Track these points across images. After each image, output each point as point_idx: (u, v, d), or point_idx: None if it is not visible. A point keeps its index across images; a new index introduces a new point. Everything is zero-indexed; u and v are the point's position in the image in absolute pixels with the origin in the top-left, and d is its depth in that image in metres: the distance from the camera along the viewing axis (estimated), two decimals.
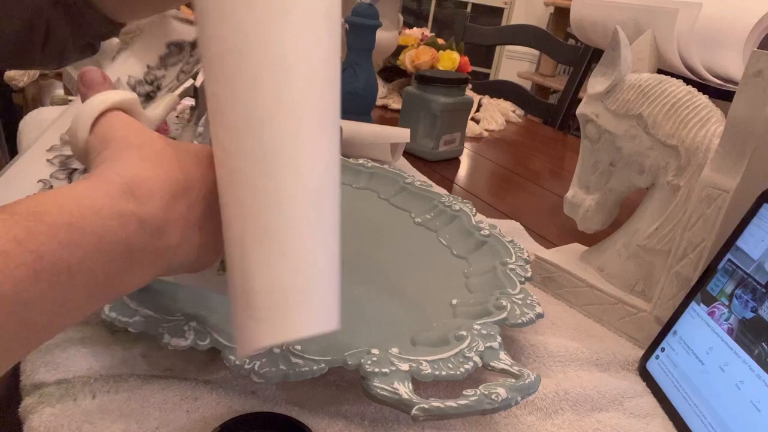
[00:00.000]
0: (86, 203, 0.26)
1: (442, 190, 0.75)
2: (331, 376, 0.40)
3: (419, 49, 1.32)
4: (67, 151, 0.52)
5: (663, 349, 0.49)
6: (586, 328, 0.55)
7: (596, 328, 0.55)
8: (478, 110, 1.34)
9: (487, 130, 1.25)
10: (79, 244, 0.25)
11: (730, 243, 0.46)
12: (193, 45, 0.62)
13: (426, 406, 0.33)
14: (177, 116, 0.81)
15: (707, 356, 0.44)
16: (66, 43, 0.54)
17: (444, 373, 0.36)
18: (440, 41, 1.41)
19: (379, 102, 1.30)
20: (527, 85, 2.69)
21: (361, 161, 0.73)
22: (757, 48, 0.72)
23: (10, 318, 0.23)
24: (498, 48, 3.32)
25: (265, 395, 0.38)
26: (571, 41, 1.75)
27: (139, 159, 0.30)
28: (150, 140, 0.31)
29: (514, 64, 3.25)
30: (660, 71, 0.60)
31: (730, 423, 0.40)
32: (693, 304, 0.48)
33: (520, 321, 0.44)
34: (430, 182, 0.77)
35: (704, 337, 0.45)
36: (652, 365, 0.49)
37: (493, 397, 0.35)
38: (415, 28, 1.46)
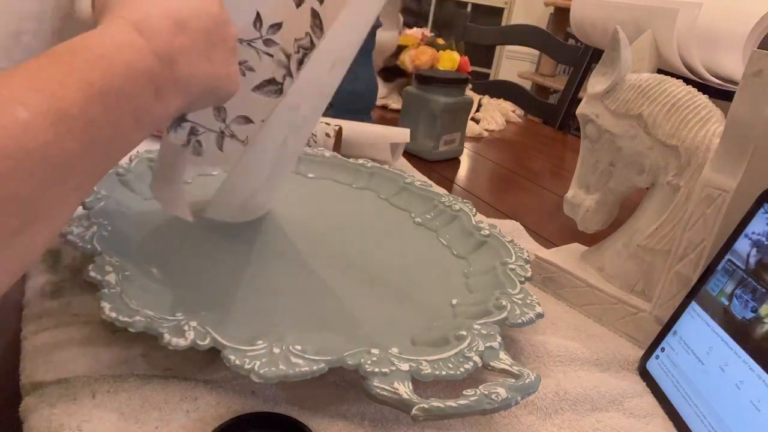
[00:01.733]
0: (107, 41, 0.30)
1: (442, 190, 0.75)
2: (331, 376, 0.40)
3: (419, 49, 1.32)
4: None
5: (663, 349, 0.49)
6: (586, 328, 0.55)
7: (596, 328, 0.55)
8: (478, 110, 1.34)
9: (487, 130, 1.25)
10: (115, 72, 0.29)
11: (730, 243, 0.46)
12: None
13: (426, 406, 0.33)
14: None
15: (707, 356, 0.44)
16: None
17: (444, 373, 0.36)
18: (440, 41, 1.41)
19: (379, 102, 1.30)
20: (527, 85, 2.69)
21: (361, 161, 0.73)
22: (757, 48, 0.72)
23: (84, 135, 0.28)
24: (498, 48, 3.32)
25: (265, 395, 0.38)
26: (571, 41, 1.75)
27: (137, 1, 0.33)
28: None
29: (514, 64, 3.25)
30: (660, 71, 0.60)
31: (730, 423, 0.40)
32: (693, 304, 0.48)
33: (520, 321, 0.44)
34: (430, 182, 0.77)
35: (704, 337, 0.45)
36: (652, 365, 0.49)
37: (493, 397, 0.35)
38: (415, 28, 1.46)
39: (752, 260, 0.43)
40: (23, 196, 0.25)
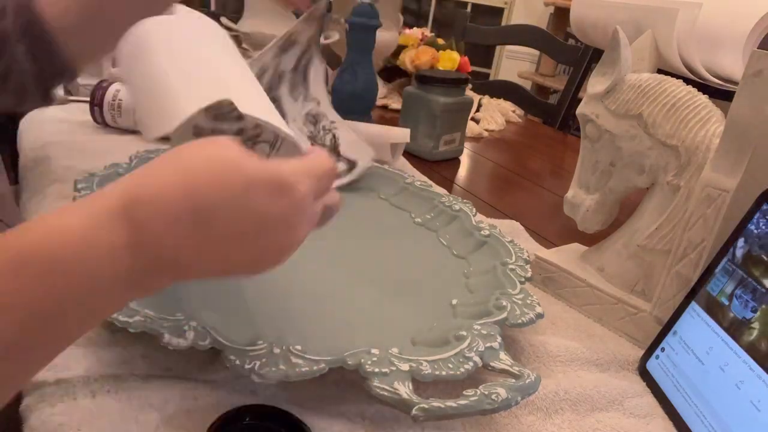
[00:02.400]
0: (76, 239, 0.25)
1: (442, 190, 0.75)
2: (331, 376, 0.40)
3: (419, 49, 1.32)
4: None
5: (663, 349, 0.49)
6: (586, 328, 0.55)
7: (596, 328, 0.55)
8: (478, 110, 1.34)
9: (487, 130, 1.25)
10: (70, 287, 0.25)
11: (730, 243, 0.46)
12: None
13: (426, 406, 0.33)
14: None
15: (707, 356, 0.44)
16: (27, 83, 0.49)
17: (444, 373, 0.36)
18: (440, 41, 1.41)
19: (379, 102, 1.30)
20: (527, 85, 2.69)
21: None
22: (757, 48, 0.72)
23: (10, 363, 0.24)
24: (498, 48, 3.32)
25: (265, 395, 0.38)
26: (571, 41, 1.75)
27: (143, 175, 0.28)
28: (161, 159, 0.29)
29: (514, 64, 3.25)
30: (660, 71, 0.60)
31: (730, 423, 0.40)
32: (693, 304, 0.48)
33: (520, 321, 0.44)
34: (430, 182, 0.77)
35: (704, 337, 0.45)
36: (652, 365, 0.49)
37: (493, 397, 0.35)
38: (415, 28, 1.46)
39: (738, 252, 0.44)
40: None
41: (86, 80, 0.90)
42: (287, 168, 0.30)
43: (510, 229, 0.73)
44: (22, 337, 0.24)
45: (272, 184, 0.29)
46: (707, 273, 0.47)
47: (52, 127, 0.79)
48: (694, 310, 0.47)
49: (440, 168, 0.96)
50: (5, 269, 0.24)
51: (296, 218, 0.31)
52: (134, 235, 0.26)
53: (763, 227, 0.44)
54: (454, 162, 1.01)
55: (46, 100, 0.52)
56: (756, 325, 0.41)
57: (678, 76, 0.56)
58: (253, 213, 0.29)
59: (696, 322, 0.47)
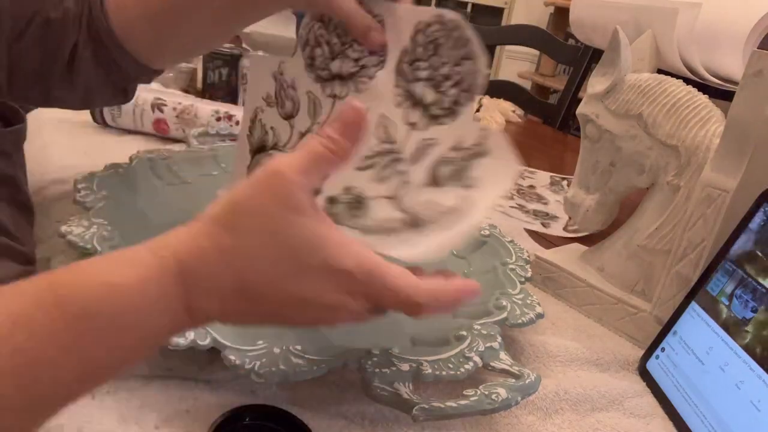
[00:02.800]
0: (131, 302, 0.26)
1: None
2: (331, 376, 0.40)
3: None
4: None
5: (663, 349, 0.49)
6: (586, 328, 0.55)
7: (596, 328, 0.55)
8: (478, 110, 1.34)
9: None
10: (124, 345, 0.26)
11: (730, 243, 0.46)
12: None
13: (426, 407, 0.33)
14: (176, 116, 0.81)
15: (707, 356, 0.44)
16: (93, 80, 0.52)
17: (444, 373, 0.36)
18: None
19: None
20: (527, 85, 2.68)
21: None
22: (757, 48, 0.72)
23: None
24: (498, 48, 3.32)
25: (265, 395, 0.38)
26: (571, 41, 1.75)
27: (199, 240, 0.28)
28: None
29: (514, 64, 3.25)
30: (660, 71, 0.60)
31: (730, 423, 0.40)
32: (693, 304, 0.48)
33: (520, 321, 0.44)
34: None
35: (704, 337, 0.45)
36: (652, 365, 0.49)
37: (493, 397, 0.35)
38: None
39: (738, 252, 0.44)
40: None
41: None
42: (337, 253, 0.29)
43: (510, 229, 0.73)
44: (77, 384, 0.25)
45: (324, 268, 0.29)
46: (707, 273, 0.47)
47: (52, 127, 0.79)
48: (694, 310, 0.47)
49: None
50: (67, 333, 0.24)
51: (337, 302, 0.30)
52: (186, 305, 0.27)
53: (764, 227, 0.44)
54: None
55: (119, 98, 0.55)
56: (756, 324, 0.41)
57: (678, 76, 0.56)
58: (296, 295, 0.29)
59: (696, 322, 0.47)
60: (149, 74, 0.55)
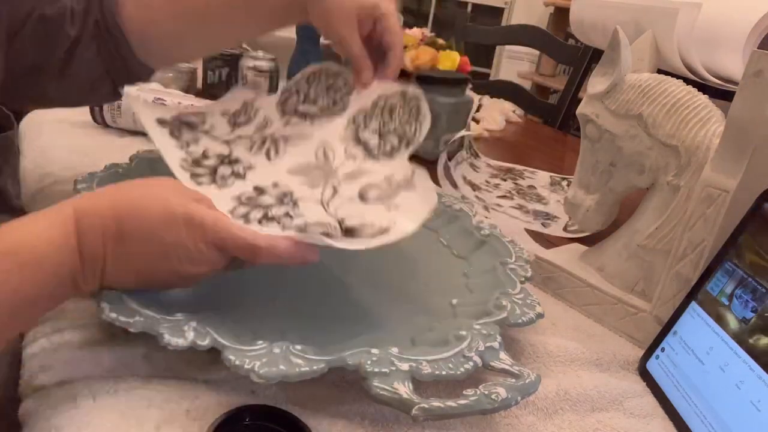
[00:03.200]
0: (35, 238, 0.35)
1: (442, 190, 0.75)
2: (331, 376, 0.40)
3: (419, 49, 1.32)
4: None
5: (663, 349, 0.49)
6: (586, 328, 0.55)
7: (596, 328, 0.55)
8: (478, 110, 1.34)
9: (487, 130, 1.25)
10: (28, 280, 0.34)
11: (730, 243, 0.46)
12: None
13: (426, 406, 0.33)
14: None
15: (707, 356, 0.44)
16: (91, 76, 0.53)
17: (444, 372, 0.36)
18: (440, 41, 1.41)
19: None
20: (527, 85, 2.69)
21: None
22: (757, 48, 0.72)
23: None
24: (498, 48, 3.32)
25: (265, 395, 0.38)
26: (571, 41, 1.75)
27: (97, 195, 0.39)
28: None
29: (514, 64, 3.25)
30: (660, 71, 0.60)
31: (730, 423, 0.40)
32: (693, 304, 0.48)
33: (520, 321, 0.44)
34: None
35: (704, 337, 0.45)
36: (652, 365, 0.49)
37: (493, 396, 0.35)
38: (415, 28, 1.45)
39: (738, 252, 0.44)
40: None
41: None
42: (198, 213, 0.38)
43: (510, 229, 0.73)
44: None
45: (184, 220, 0.37)
46: (707, 273, 0.47)
47: (52, 127, 0.79)
48: (694, 310, 0.47)
49: None
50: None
51: (197, 252, 0.38)
52: (78, 241, 0.35)
53: (764, 227, 0.44)
54: None
55: (115, 95, 0.56)
56: (756, 325, 0.41)
57: (678, 76, 0.56)
58: (161, 241, 0.37)
59: (696, 322, 0.47)
60: (149, 74, 0.56)
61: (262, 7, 0.54)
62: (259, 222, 0.43)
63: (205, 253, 0.38)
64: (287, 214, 0.45)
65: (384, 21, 0.52)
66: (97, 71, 0.53)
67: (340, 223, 0.43)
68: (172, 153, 0.50)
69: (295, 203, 0.46)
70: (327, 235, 0.41)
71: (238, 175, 0.49)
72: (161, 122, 0.51)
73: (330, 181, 0.47)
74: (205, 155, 0.50)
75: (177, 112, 0.53)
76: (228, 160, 0.51)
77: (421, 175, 0.47)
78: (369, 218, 0.43)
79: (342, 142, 0.51)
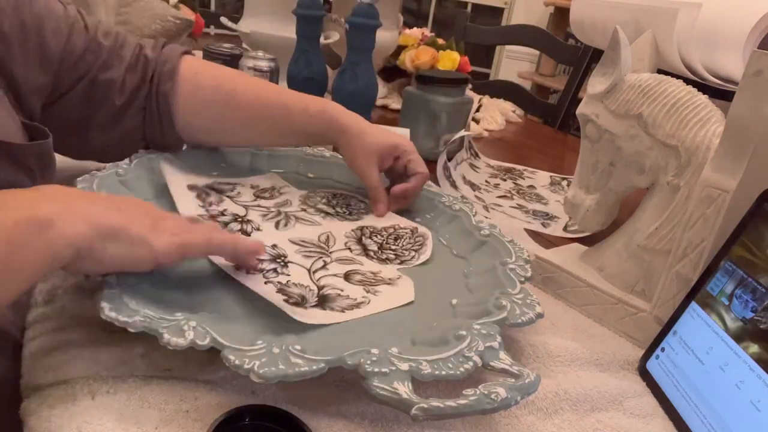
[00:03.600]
0: None
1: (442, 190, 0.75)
2: (331, 376, 0.40)
3: (419, 49, 1.32)
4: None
5: (663, 349, 0.49)
6: (586, 328, 0.55)
7: (596, 328, 0.55)
8: (478, 110, 1.34)
9: (487, 130, 1.25)
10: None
11: (730, 243, 0.46)
12: None
13: (425, 406, 0.33)
14: None
15: (707, 356, 0.44)
16: (132, 138, 0.59)
17: (444, 372, 0.36)
18: (440, 41, 1.41)
19: (379, 102, 1.30)
20: (527, 85, 2.69)
21: None
22: (757, 48, 0.72)
23: None
24: (498, 48, 3.32)
25: (265, 395, 0.38)
26: (571, 41, 1.75)
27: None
28: None
29: (514, 64, 3.25)
30: (660, 71, 0.60)
31: (730, 423, 0.40)
32: (693, 304, 0.48)
33: (520, 321, 0.44)
34: (429, 182, 0.77)
35: (704, 337, 0.45)
36: (652, 365, 0.49)
37: (492, 396, 0.35)
38: (415, 28, 1.46)
39: (738, 253, 0.43)
40: None
41: None
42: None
43: (510, 229, 0.73)
44: None
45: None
46: (707, 273, 0.47)
47: None
48: (694, 310, 0.47)
49: None
50: None
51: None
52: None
53: (764, 227, 0.44)
54: None
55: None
56: (756, 324, 0.41)
57: (678, 76, 0.56)
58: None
59: (696, 322, 0.47)
60: (180, 147, 0.64)
61: (299, 133, 0.64)
62: (247, 271, 0.47)
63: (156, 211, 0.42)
64: (275, 270, 0.49)
65: (406, 156, 0.64)
66: (136, 136, 0.60)
67: (320, 289, 0.47)
68: (189, 203, 0.56)
69: (285, 264, 0.50)
70: (301, 298, 0.45)
71: (244, 232, 0.54)
72: (191, 188, 0.59)
73: (323, 258, 0.53)
74: (222, 213, 0.57)
75: (211, 181, 0.62)
76: (241, 219, 0.56)
77: (406, 279, 0.51)
78: (346, 292, 0.48)
79: (345, 237, 0.57)
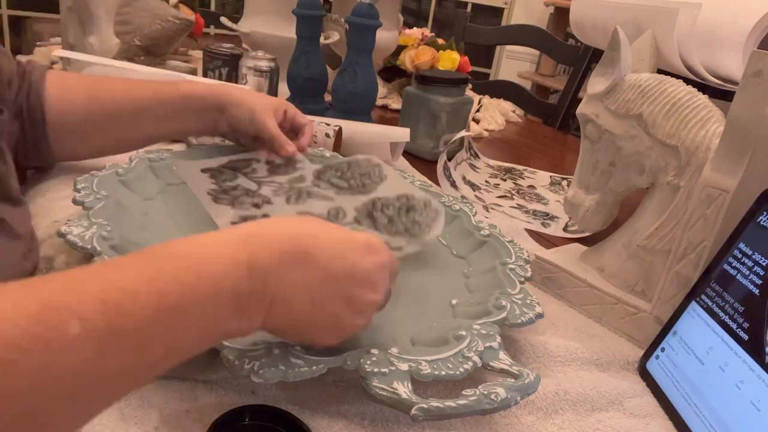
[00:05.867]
0: (209, 249, 0.30)
1: (442, 190, 0.75)
2: (331, 376, 0.40)
3: (419, 49, 1.32)
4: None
5: (663, 349, 0.49)
6: (586, 328, 0.55)
7: (596, 328, 0.55)
8: (478, 110, 1.34)
9: (487, 130, 1.25)
10: (197, 287, 0.28)
11: (730, 243, 0.46)
12: None
13: (425, 406, 0.33)
14: None
15: (707, 356, 0.44)
16: (5, 154, 0.53)
17: (443, 373, 0.36)
18: (440, 41, 1.41)
19: (379, 102, 1.30)
20: (527, 85, 2.68)
21: None
22: (757, 48, 0.72)
23: (131, 354, 0.26)
24: (498, 48, 3.32)
25: (264, 395, 0.38)
26: (571, 41, 1.75)
27: (270, 221, 0.36)
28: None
29: (514, 64, 3.25)
30: (659, 71, 0.60)
31: (730, 423, 0.40)
32: (693, 304, 0.48)
33: (519, 321, 0.44)
34: (429, 182, 0.77)
35: (704, 337, 0.45)
36: (652, 365, 0.49)
37: (492, 397, 0.35)
38: (415, 28, 1.46)
39: (738, 253, 0.43)
40: (38, 410, 0.23)
41: None
42: (375, 238, 0.38)
43: (510, 229, 0.73)
44: (152, 325, 0.26)
45: (366, 244, 0.36)
46: (707, 273, 0.47)
47: None
48: (694, 310, 0.47)
49: None
50: (150, 267, 0.28)
51: (378, 277, 0.36)
52: (251, 258, 0.31)
53: (764, 227, 0.44)
54: None
55: (19, 178, 0.56)
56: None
57: (678, 76, 0.56)
58: (347, 261, 0.35)
59: (696, 322, 0.47)
60: (51, 164, 0.61)
61: (177, 114, 0.62)
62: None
63: (381, 277, 0.37)
64: None
65: (291, 110, 0.68)
66: (13, 148, 0.55)
67: None
68: (202, 183, 0.57)
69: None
70: None
71: (255, 205, 0.55)
72: (205, 170, 0.60)
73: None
74: (234, 188, 0.57)
75: (226, 160, 0.62)
76: (252, 193, 0.57)
77: (414, 243, 0.52)
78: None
79: (354, 211, 0.57)
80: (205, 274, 0.29)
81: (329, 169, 0.64)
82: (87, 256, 0.42)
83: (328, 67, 1.09)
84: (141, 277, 0.27)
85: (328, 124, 0.83)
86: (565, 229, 0.77)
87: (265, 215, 0.54)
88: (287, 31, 1.10)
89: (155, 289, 0.27)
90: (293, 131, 0.69)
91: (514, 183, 0.95)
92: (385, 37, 1.23)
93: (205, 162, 0.61)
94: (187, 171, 0.59)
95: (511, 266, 0.52)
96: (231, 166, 0.61)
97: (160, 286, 0.27)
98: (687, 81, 0.54)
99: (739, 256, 0.45)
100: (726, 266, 0.46)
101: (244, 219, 0.53)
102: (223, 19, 1.18)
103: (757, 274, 0.42)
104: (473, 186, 0.89)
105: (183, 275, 0.28)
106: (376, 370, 0.35)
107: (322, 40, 1.09)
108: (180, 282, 0.28)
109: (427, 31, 1.44)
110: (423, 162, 0.96)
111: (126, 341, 0.25)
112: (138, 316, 0.25)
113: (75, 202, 0.48)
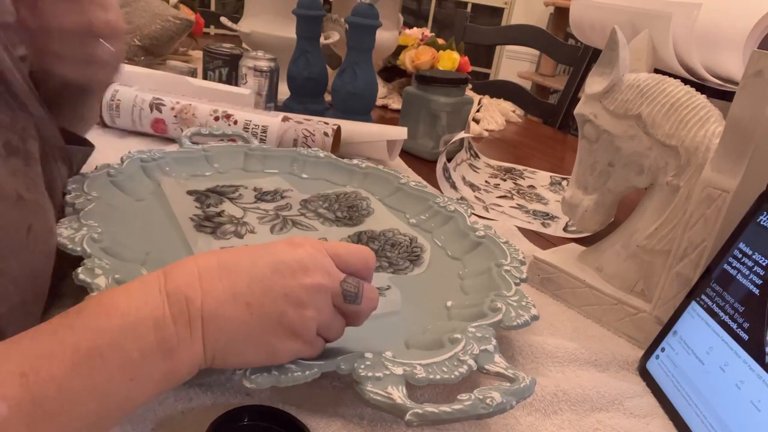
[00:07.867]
0: (120, 290, 0.30)
1: (437, 191, 0.74)
2: (327, 378, 0.40)
3: (419, 49, 1.32)
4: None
5: (663, 349, 0.48)
6: (585, 329, 0.55)
7: (595, 328, 0.55)
8: (478, 110, 1.33)
9: (487, 130, 1.25)
10: (108, 327, 0.28)
11: (730, 243, 0.46)
12: None
13: (420, 412, 0.33)
14: (175, 116, 0.81)
15: (707, 356, 0.44)
16: None
17: (438, 376, 0.36)
18: (440, 41, 1.40)
19: (379, 102, 1.30)
20: (527, 85, 2.68)
21: (355, 161, 0.72)
22: (757, 48, 0.72)
23: (63, 416, 0.25)
24: (498, 48, 3.32)
25: (261, 396, 0.38)
26: (571, 41, 1.74)
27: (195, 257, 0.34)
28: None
29: (514, 64, 3.25)
30: (657, 71, 0.60)
31: (730, 423, 0.40)
32: (693, 304, 0.47)
33: (515, 323, 0.44)
34: (424, 183, 0.76)
35: (704, 337, 0.45)
36: (652, 365, 0.49)
37: (487, 401, 0.34)
38: (415, 28, 1.45)
39: (738, 253, 0.43)
40: None
41: None
42: (298, 237, 0.36)
43: (509, 230, 0.73)
44: (72, 380, 0.26)
45: (287, 240, 0.35)
46: (707, 273, 0.47)
47: None
48: (694, 310, 0.47)
49: None
50: (63, 326, 0.28)
51: (311, 262, 0.34)
52: (165, 283, 0.31)
53: (764, 227, 0.43)
54: None
55: None
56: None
57: (676, 76, 0.55)
58: (270, 259, 0.33)
59: (696, 322, 0.46)
60: None
61: None
62: None
63: (321, 260, 0.34)
64: None
65: None
66: None
67: None
68: (186, 206, 0.56)
69: None
70: None
71: (237, 234, 0.54)
72: (191, 192, 0.59)
73: None
74: (219, 214, 0.56)
75: (213, 185, 0.62)
76: (237, 221, 0.56)
77: (394, 290, 0.50)
78: None
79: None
80: (114, 312, 0.28)
81: (317, 198, 0.64)
82: (77, 259, 0.41)
83: (328, 67, 1.09)
84: (54, 338, 0.27)
85: (327, 123, 0.83)
86: (565, 229, 0.77)
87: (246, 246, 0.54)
88: (287, 31, 1.10)
89: (69, 343, 0.26)
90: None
91: (514, 183, 0.95)
92: (385, 37, 1.22)
93: (191, 183, 0.61)
94: (172, 191, 0.58)
95: (506, 268, 0.51)
96: (217, 191, 0.61)
97: (73, 339, 0.27)
98: (685, 81, 0.53)
99: (739, 256, 0.44)
100: (726, 266, 0.45)
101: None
102: (223, 19, 1.18)
103: (757, 274, 0.42)
104: (473, 187, 0.88)
105: (94, 320, 0.28)
106: (370, 374, 0.35)
107: (322, 40, 1.09)
108: (91, 328, 0.27)
109: (427, 31, 1.44)
110: (423, 162, 0.96)
111: (51, 405, 0.25)
112: (57, 376, 0.25)
113: (65, 203, 0.48)
